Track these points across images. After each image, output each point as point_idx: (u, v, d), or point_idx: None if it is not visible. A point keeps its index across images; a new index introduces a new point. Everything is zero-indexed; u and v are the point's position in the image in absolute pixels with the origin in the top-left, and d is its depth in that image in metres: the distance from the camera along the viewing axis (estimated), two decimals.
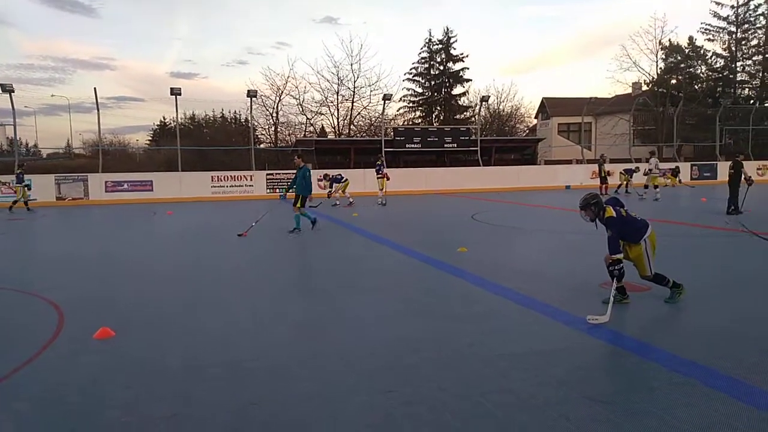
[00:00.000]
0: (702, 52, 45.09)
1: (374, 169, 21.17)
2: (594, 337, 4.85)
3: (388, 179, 20.44)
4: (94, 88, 25.25)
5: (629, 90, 44.32)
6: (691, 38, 45.02)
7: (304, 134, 39.17)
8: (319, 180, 21.63)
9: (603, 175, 22.85)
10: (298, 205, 12.36)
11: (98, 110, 25.70)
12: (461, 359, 4.41)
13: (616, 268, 5.61)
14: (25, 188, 20.31)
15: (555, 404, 3.53)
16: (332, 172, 21.97)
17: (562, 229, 12.80)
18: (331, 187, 21.19)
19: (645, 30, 53.10)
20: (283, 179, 25.91)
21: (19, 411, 3.61)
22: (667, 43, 43.86)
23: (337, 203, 19.87)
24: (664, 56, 44.26)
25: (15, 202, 19.97)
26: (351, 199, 19.80)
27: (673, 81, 44.63)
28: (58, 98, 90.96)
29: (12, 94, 23.75)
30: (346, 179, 20.54)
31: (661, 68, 44.26)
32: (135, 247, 11.33)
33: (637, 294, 6.30)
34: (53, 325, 5.52)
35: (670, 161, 32.74)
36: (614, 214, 5.69)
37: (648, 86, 44.44)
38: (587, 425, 3.23)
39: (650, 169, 20.67)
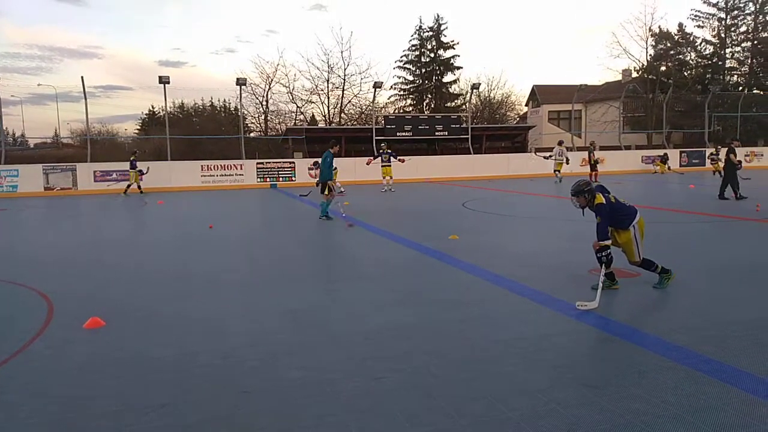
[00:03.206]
0: (692, 38, 45.19)
1: (379, 157, 21.12)
2: (584, 323, 4.89)
3: (402, 161, 20.79)
4: (82, 77, 24.98)
5: (619, 77, 44.42)
6: (680, 25, 45.15)
7: (295, 123, 38.96)
8: (309, 169, 21.51)
9: (593, 162, 22.92)
10: (326, 192, 12.57)
11: (86, 99, 25.44)
12: (453, 346, 4.43)
13: (603, 254, 5.65)
14: (138, 173, 22.07)
15: (546, 389, 3.56)
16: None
17: (552, 216, 12.85)
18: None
19: (635, 17, 53.22)
20: (273, 168, 25.81)
21: (10, 401, 3.59)
22: (657, 30, 43.92)
23: (342, 191, 19.76)
24: (653, 43, 44.32)
25: (128, 186, 22.05)
26: (342, 189, 19.78)
27: (663, 68, 44.71)
28: (45, 87, 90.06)
29: None
30: (335, 167, 20.48)
31: (650, 55, 44.34)
32: (126, 237, 11.26)
33: (626, 280, 6.36)
34: (43, 315, 5.48)
35: (659, 148, 32.95)
36: (604, 201, 5.73)
37: (638, 73, 44.54)
38: (577, 409, 3.26)
39: (551, 156, 23.68)
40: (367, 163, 21.41)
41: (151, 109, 53.05)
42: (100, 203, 18.94)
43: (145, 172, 22.71)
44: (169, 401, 3.54)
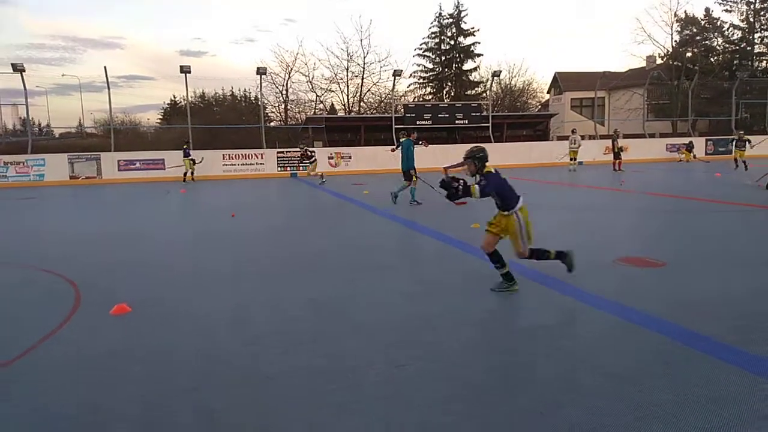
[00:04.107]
0: (719, 23, 44.08)
1: (400, 146, 20.96)
2: (606, 312, 4.84)
3: (426, 145, 20.67)
4: (105, 67, 25.23)
5: (643, 64, 43.58)
6: (707, 9, 44.05)
7: (314, 112, 39.01)
8: (300, 161, 21.33)
9: (616, 150, 22.60)
10: (414, 178, 12.83)
11: (109, 89, 25.71)
12: (475, 334, 4.44)
13: (460, 188, 5.46)
14: (191, 161, 22.71)
15: (565, 377, 3.55)
16: (310, 150, 21.43)
17: (574, 204, 12.72)
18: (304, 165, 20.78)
19: (660, 2, 51.99)
20: (294, 157, 25.89)
21: (40, 383, 3.69)
22: (683, 15, 42.94)
23: (324, 181, 19.75)
24: (679, 29, 43.32)
25: (186, 174, 22.82)
26: (324, 179, 19.82)
27: (689, 54, 43.73)
28: (69, 78, 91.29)
29: (23, 73, 23.78)
30: (315, 158, 20.49)
31: (676, 41, 43.37)
32: (150, 225, 11.41)
33: (650, 270, 6.28)
34: (70, 301, 5.60)
35: (684, 136, 32.32)
36: (492, 172, 5.48)
37: (662, 60, 43.64)
38: (600, 399, 3.24)
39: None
40: (392, 151, 21.31)
41: (172, 98, 53.53)
42: (124, 192, 19.21)
43: (198, 161, 23.11)
44: (195, 387, 3.60)
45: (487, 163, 5.58)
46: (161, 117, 53.98)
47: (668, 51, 43.44)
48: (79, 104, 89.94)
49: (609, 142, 25.45)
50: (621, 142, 23.28)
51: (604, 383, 3.45)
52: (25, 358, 4.14)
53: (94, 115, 58.73)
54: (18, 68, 23.54)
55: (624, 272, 6.25)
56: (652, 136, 32.92)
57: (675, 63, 42.30)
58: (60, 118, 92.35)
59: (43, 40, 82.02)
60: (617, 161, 22.46)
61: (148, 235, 9.95)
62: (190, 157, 22.93)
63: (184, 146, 23.38)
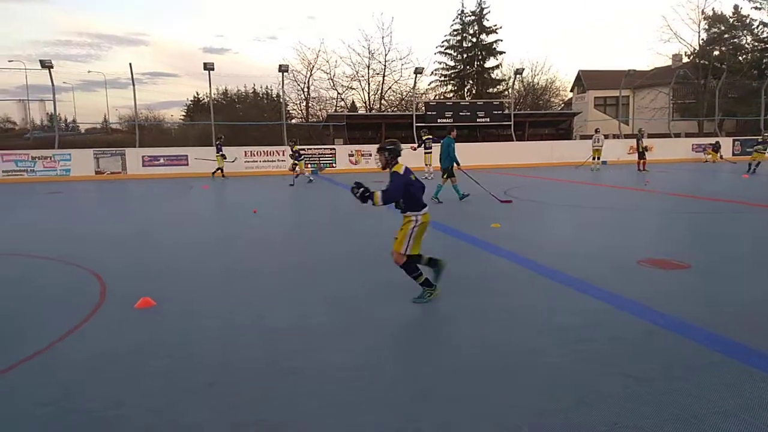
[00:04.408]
0: (748, 21, 43.10)
1: (423, 144, 21.00)
2: (631, 314, 4.78)
3: (414, 150, 20.64)
4: (130, 64, 25.60)
5: (669, 62, 42.83)
6: (736, 7, 43.09)
7: (335, 109, 39.12)
8: (291, 156, 21.15)
9: (641, 150, 22.28)
10: (445, 177, 12.98)
11: (134, 86, 26.11)
12: (496, 334, 4.41)
13: (363, 192, 5.07)
14: (222, 157, 22.83)
15: (589, 379, 3.51)
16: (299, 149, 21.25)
17: (597, 204, 12.57)
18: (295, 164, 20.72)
19: None
20: (314, 155, 26.01)
21: (66, 377, 3.76)
22: (711, 13, 42.09)
23: (312, 180, 19.73)
24: (707, 27, 42.47)
25: (218, 169, 22.79)
26: (312, 178, 19.90)
27: (716, 52, 42.84)
28: (95, 74, 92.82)
29: (51, 70, 24.24)
30: (303, 157, 20.59)
31: (703, 39, 42.52)
32: (173, 220, 11.56)
33: (675, 272, 6.19)
34: (96, 294, 5.70)
35: (711, 136, 31.74)
36: (401, 172, 5.14)
37: (689, 58, 42.84)
38: (624, 401, 3.21)
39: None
40: (413, 149, 21.30)
41: (195, 95, 54.07)
42: (148, 187, 19.48)
43: (231, 160, 23.21)
44: (217, 380, 3.64)
45: (399, 161, 5.24)
46: (184, 114, 54.57)
47: (695, 49, 42.63)
48: (105, 100, 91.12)
49: (633, 142, 25.10)
50: (646, 142, 22.93)
51: (627, 385, 3.41)
52: (50, 351, 4.23)
53: (118, 111, 59.78)
54: (46, 65, 24.00)
55: (648, 274, 6.17)
56: (677, 135, 32.39)
57: (702, 61, 41.49)
58: (86, 114, 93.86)
59: (70, 36, 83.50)
60: (642, 161, 22.15)
61: (172, 230, 10.08)
62: (221, 153, 22.96)
63: (217, 142, 23.39)
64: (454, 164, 13.09)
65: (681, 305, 5.03)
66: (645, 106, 38.27)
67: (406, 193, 5.12)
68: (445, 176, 13.09)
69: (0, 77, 57.33)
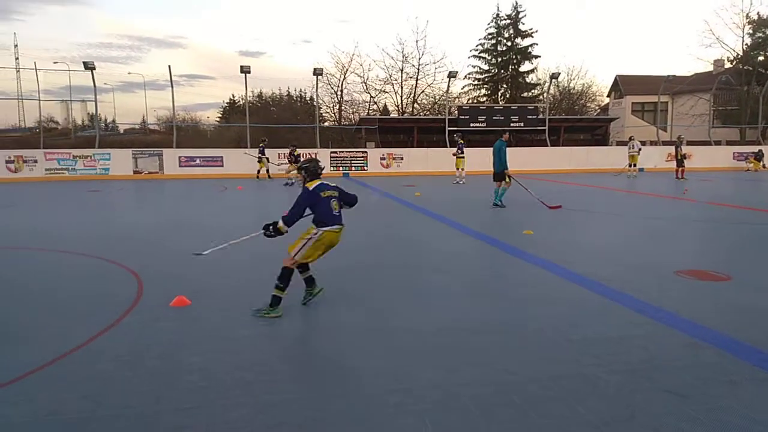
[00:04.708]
0: None
1: (455, 149, 20.96)
2: (669, 327, 4.66)
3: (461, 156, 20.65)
4: (169, 66, 26.14)
5: (710, 68, 41.72)
6: None
7: (368, 112, 39.27)
8: (287, 161, 21.05)
9: (679, 157, 21.74)
10: (506, 180, 12.95)
11: (172, 87, 26.67)
12: (529, 342, 4.35)
13: (271, 230, 5.10)
14: (266, 159, 23.20)
15: (627, 393, 3.43)
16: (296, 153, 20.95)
17: (632, 212, 12.31)
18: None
19: (731, 3, 49.65)
20: (347, 157, 26.15)
21: (104, 371, 3.86)
22: (755, 17, 40.82)
23: (292, 183, 19.54)
24: (751, 31, 41.17)
25: (267, 171, 23.27)
26: (293, 180, 19.81)
27: (761, 58, 41.52)
28: (134, 76, 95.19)
29: (93, 71, 24.94)
30: (289, 163, 20.49)
31: (747, 44, 41.26)
32: (209, 220, 11.73)
33: (712, 283, 6.02)
34: (133, 292, 5.83)
35: (753, 144, 30.79)
36: (309, 189, 5.10)
37: (732, 63, 41.65)
38: (661, 417, 3.13)
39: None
40: (453, 155, 21.31)
41: (231, 97, 55.09)
42: (184, 187, 19.86)
43: (276, 164, 23.31)
44: (252, 380, 3.68)
45: (315, 179, 5.24)
46: (220, 115, 55.59)
47: (738, 54, 41.41)
48: (143, 101, 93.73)
49: (671, 149, 24.52)
50: (684, 149, 22.39)
51: (666, 401, 3.32)
52: (90, 346, 4.34)
53: (156, 113, 61.15)
54: (89, 66, 24.71)
55: (686, 285, 6.01)
56: (717, 143, 31.54)
57: (745, 67, 40.30)
58: (125, 115, 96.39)
59: (112, 39, 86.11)
60: (680, 169, 21.62)
61: (207, 229, 10.22)
62: (264, 156, 23.11)
63: (261, 145, 23.47)
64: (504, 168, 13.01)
65: (721, 318, 4.88)
66: (684, 113, 37.36)
67: (312, 208, 5.10)
68: (502, 180, 13.02)
69: (45, 78, 59.47)
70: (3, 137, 33.09)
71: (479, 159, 22.99)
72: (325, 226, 5.09)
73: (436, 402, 3.36)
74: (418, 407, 3.29)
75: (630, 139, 24.18)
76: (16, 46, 58.31)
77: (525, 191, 13.08)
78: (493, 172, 13.11)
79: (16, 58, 54.21)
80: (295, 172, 19.31)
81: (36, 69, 26.32)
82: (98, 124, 29.46)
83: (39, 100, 27.21)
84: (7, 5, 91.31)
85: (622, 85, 43.77)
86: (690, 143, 28.59)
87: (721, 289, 5.88)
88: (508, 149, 13.05)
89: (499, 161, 12.95)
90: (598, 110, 47.19)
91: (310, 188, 5.13)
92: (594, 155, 27.98)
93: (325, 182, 5.28)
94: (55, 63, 58.27)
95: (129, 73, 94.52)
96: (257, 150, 23.50)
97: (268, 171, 23.21)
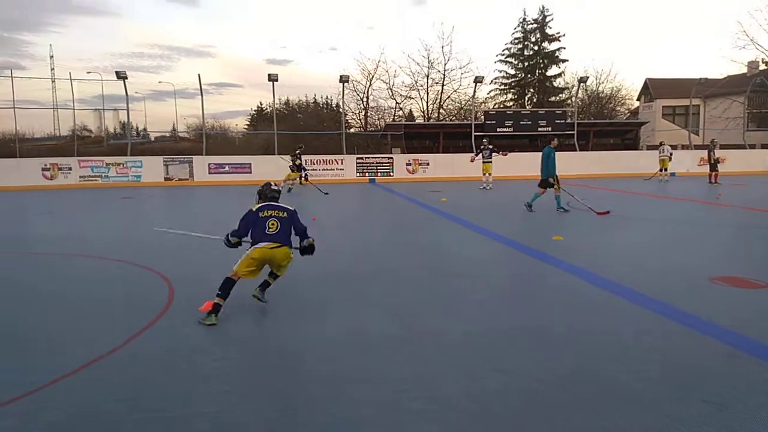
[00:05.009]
0: None
1: (480, 154, 20.77)
2: (704, 335, 4.55)
3: (505, 155, 20.42)
4: (198, 75, 26.63)
5: (744, 70, 40.71)
6: None
7: (393, 119, 39.32)
8: (292, 163, 20.75)
9: (712, 161, 21.24)
10: (555, 186, 12.98)
11: (202, 96, 27.10)
12: (560, 351, 4.28)
13: (225, 240, 5.66)
14: (302, 166, 22.53)
15: (664, 402, 3.35)
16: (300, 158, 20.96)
17: (666, 218, 12.06)
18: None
19: (766, 4, 48.45)
20: (373, 163, 26.21)
21: (138, 375, 3.92)
22: None
23: (290, 188, 19.39)
24: None
25: (300, 177, 22.30)
26: (290, 186, 19.62)
27: None
28: (165, 84, 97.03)
29: (125, 80, 25.52)
30: (299, 165, 20.41)
31: None
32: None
33: (749, 290, 5.86)
34: (164, 296, 5.93)
35: None
36: (251, 210, 5.56)
37: (767, 65, 40.59)
38: (699, 427, 3.05)
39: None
40: (471, 161, 21.15)
41: (259, 105, 55.74)
42: (214, 194, 20.13)
43: (306, 169, 22.89)
44: (278, 384, 3.70)
45: (264, 202, 5.69)
46: (248, 123, 56.28)
47: None
48: (174, 109, 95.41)
49: (704, 153, 23.97)
50: (718, 153, 21.86)
51: (703, 411, 3.24)
52: (124, 349, 4.42)
53: (186, 120, 62.18)
54: (121, 76, 25.28)
55: (722, 292, 5.86)
56: (752, 147, 30.74)
57: None
58: (155, 123, 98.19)
59: (143, 48, 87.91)
60: (713, 173, 21.11)
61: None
62: (299, 162, 22.41)
63: (297, 152, 22.38)
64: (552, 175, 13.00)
65: (759, 327, 4.74)
66: (717, 116, 36.50)
67: (252, 228, 5.49)
68: (551, 186, 12.94)
69: (79, 88, 61.00)
70: (39, 146, 34.01)
71: (506, 164, 22.85)
72: (255, 243, 5.41)
73: (463, 409, 3.33)
74: (444, 414, 3.27)
75: (660, 143, 23.75)
76: (51, 57, 59.86)
77: (553, 194, 12.95)
78: (540, 179, 13.02)
79: (52, 69, 55.72)
80: (292, 175, 19.64)
81: (71, 79, 27.00)
82: (130, 132, 30.07)
83: (73, 109, 27.93)
84: (44, 18, 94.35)
85: (652, 89, 43.00)
86: (723, 147, 27.90)
87: (758, 296, 5.72)
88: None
89: (546, 168, 12.88)
90: (628, 114, 46.45)
91: (254, 209, 5.56)
92: (624, 160, 27.50)
93: (275, 204, 5.66)
94: (88, 73, 59.73)
95: (159, 82, 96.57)
96: (291, 156, 23.25)
97: (301, 177, 22.99)
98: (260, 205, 5.59)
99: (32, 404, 3.47)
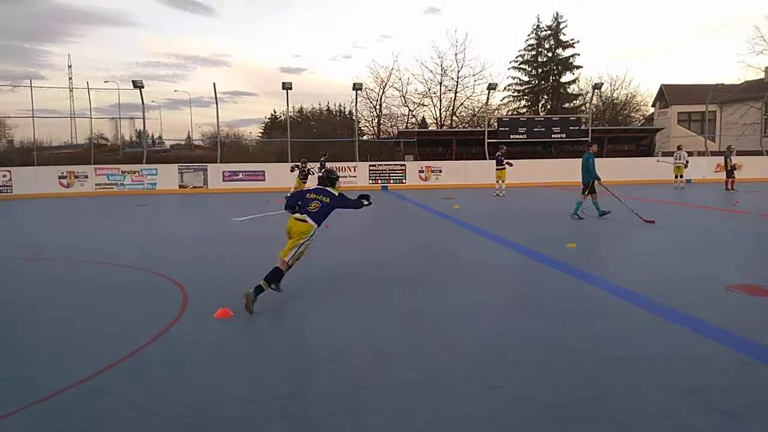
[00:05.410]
0: None
1: (494, 161, 20.71)
2: (720, 344, 4.50)
3: (511, 165, 20.33)
4: (213, 84, 26.81)
5: (762, 75, 40.24)
6: None
7: (406, 125, 39.36)
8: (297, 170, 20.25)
9: (729, 168, 21.00)
10: (586, 192, 13.01)
11: (217, 104, 27.31)
12: (573, 359, 4.26)
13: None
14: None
15: (675, 412, 3.32)
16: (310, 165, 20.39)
17: (680, 225, 11.94)
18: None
19: None
20: (385, 170, 26.25)
21: (150, 380, 3.96)
22: None
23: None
24: None
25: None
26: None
27: None
28: (180, 93, 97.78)
29: (142, 89, 25.85)
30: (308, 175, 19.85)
31: None
32: (250, 232, 11.95)
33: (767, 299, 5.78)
34: (178, 303, 5.98)
35: None
36: (304, 190, 6.42)
37: None
38: None
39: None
40: (510, 165, 20.83)
41: (273, 113, 56.05)
42: (228, 201, 20.28)
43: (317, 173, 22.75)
44: (293, 391, 3.72)
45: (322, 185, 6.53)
46: (262, 131, 56.59)
47: None
48: (188, 118, 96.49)
49: (720, 159, 23.71)
50: (735, 160, 21.60)
51: (717, 422, 3.20)
52: (137, 356, 4.47)
53: (201, 129, 62.72)
54: (137, 85, 25.63)
55: (738, 300, 5.79)
56: None
57: None
58: (171, 131, 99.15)
59: (159, 58, 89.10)
60: (730, 180, 20.87)
61: (248, 242, 10.43)
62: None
63: (322, 159, 22.09)
64: (595, 180, 12.97)
65: None
66: (734, 122, 36.10)
67: (295, 202, 6.42)
68: (585, 192, 12.98)
69: (96, 97, 62.00)
70: (57, 154, 34.49)
71: (519, 171, 22.77)
72: (294, 213, 6.29)
73: (479, 418, 3.32)
74: (459, 423, 3.26)
75: (678, 148, 23.50)
76: (70, 66, 60.82)
77: (566, 201, 12.86)
78: (582, 185, 13.06)
79: (70, 79, 56.56)
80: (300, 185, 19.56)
81: (88, 88, 27.40)
82: (146, 141, 30.45)
83: (90, 117, 28.29)
84: (64, 29, 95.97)
85: (667, 95, 42.65)
86: (740, 153, 27.56)
87: None
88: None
89: (587, 173, 12.92)
90: (643, 120, 46.10)
91: (305, 189, 6.62)
92: (639, 166, 27.27)
93: (323, 189, 6.40)
94: (105, 82, 60.64)
95: (175, 91, 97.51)
96: (318, 164, 22.13)
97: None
98: (313, 187, 6.52)
99: (45, 411, 3.52)
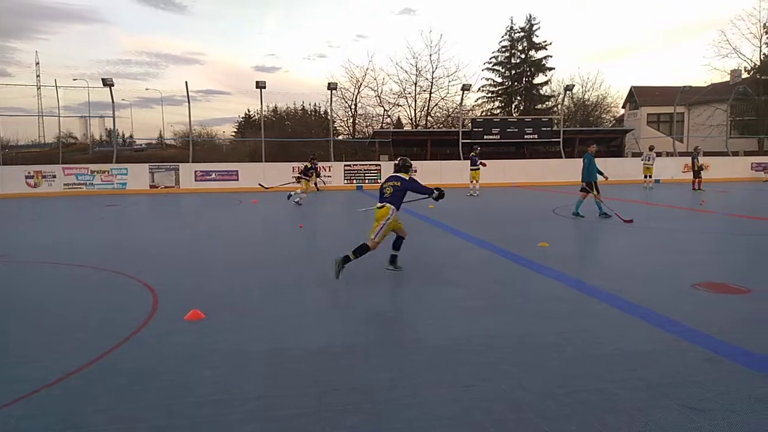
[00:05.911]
0: None
1: (469, 161, 20.81)
2: (687, 341, 4.58)
3: (484, 166, 20.46)
4: (186, 82, 26.40)
5: (727, 78, 41.32)
6: None
7: (381, 126, 39.40)
8: (301, 172, 19.83)
9: (696, 168, 21.50)
10: (594, 192, 13.14)
11: (189, 103, 26.95)
12: (543, 358, 4.30)
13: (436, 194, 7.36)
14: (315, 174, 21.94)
15: (645, 409, 3.37)
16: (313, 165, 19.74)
17: (649, 225, 12.17)
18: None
19: (748, 13, 49.34)
20: (360, 170, 26.23)
21: (119, 384, 3.87)
22: None
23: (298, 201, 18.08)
24: None
25: (316, 184, 21.66)
26: (303, 195, 18.45)
27: None
28: (152, 92, 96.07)
29: (112, 88, 25.35)
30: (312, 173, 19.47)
31: (764, 54, 40.80)
32: (223, 234, 11.81)
33: (732, 296, 5.92)
34: (148, 305, 5.87)
35: None
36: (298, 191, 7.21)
37: (749, 74, 41.19)
38: None
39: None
40: (484, 165, 20.88)
41: (247, 112, 55.60)
42: (200, 201, 20.02)
43: (321, 177, 22.69)
44: (264, 393, 3.67)
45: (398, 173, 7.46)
46: (235, 130, 56.07)
47: (755, 64, 40.98)
48: (160, 117, 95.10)
49: (688, 160, 24.27)
50: (702, 160, 22.14)
51: (684, 417, 3.26)
52: (105, 359, 4.37)
53: (173, 128, 61.78)
54: (107, 83, 25.13)
55: (704, 298, 5.91)
56: (735, 154, 31.16)
57: (763, 77, 39.84)
58: (142, 130, 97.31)
59: (131, 56, 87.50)
60: (697, 180, 21.38)
61: (221, 243, 10.30)
62: (315, 170, 21.47)
63: (311, 158, 20.94)
64: (597, 179, 13.21)
65: (741, 332, 4.79)
66: (701, 123, 37.04)
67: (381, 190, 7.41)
68: (588, 191, 13.14)
69: (64, 95, 60.81)
70: (23, 153, 33.65)
71: (492, 171, 22.95)
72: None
73: (450, 418, 3.32)
74: (431, 423, 3.26)
75: (649, 149, 23.93)
76: (37, 63, 59.48)
77: (539, 201, 13.00)
78: (582, 183, 13.30)
79: (38, 76, 55.35)
80: (307, 185, 19.33)
81: (56, 86, 26.86)
82: (116, 140, 29.86)
83: (59, 116, 27.70)
84: (31, 25, 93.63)
85: (637, 96, 43.54)
86: (707, 154, 28.30)
87: (740, 302, 5.78)
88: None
89: (587, 173, 13.14)
90: (614, 121, 46.93)
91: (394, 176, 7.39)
92: (609, 166, 27.58)
93: (395, 175, 7.36)
94: (74, 80, 59.55)
95: (147, 89, 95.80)
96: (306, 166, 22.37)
97: (316, 184, 21.86)
98: (388, 176, 7.43)
99: (10, 415, 3.42)
